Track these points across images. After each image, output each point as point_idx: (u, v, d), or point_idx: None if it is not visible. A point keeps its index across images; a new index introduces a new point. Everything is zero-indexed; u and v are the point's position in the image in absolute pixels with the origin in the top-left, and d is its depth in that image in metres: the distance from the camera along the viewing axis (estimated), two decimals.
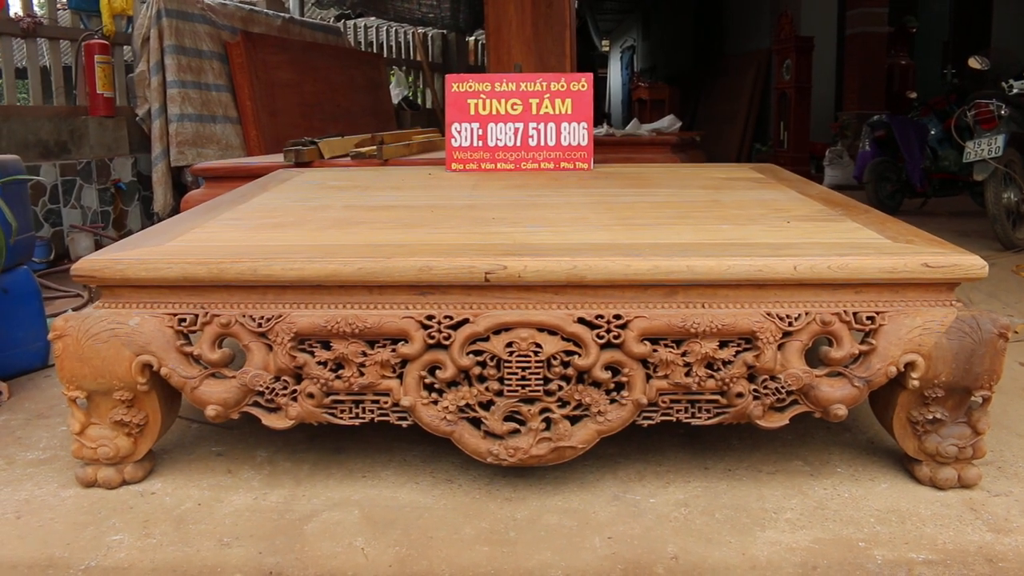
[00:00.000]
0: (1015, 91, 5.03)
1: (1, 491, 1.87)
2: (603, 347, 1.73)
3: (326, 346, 1.77)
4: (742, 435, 2.11)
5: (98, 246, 4.86)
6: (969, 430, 1.80)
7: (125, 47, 5.74)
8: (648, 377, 1.75)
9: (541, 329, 1.73)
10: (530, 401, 1.76)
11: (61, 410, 2.38)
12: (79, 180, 5.07)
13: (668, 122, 5.32)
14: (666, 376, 1.74)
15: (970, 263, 1.72)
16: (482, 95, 3.05)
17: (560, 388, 1.75)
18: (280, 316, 1.76)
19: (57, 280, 4.11)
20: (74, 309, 3.54)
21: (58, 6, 5.57)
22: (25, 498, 1.84)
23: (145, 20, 5.46)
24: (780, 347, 1.74)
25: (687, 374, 1.74)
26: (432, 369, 1.76)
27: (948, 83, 6.30)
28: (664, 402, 1.78)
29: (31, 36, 5.04)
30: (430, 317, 1.74)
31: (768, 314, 1.73)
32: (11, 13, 5.02)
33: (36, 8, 5.37)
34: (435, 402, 1.77)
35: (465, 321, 1.73)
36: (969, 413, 1.80)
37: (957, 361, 1.72)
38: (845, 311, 1.74)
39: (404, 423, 1.80)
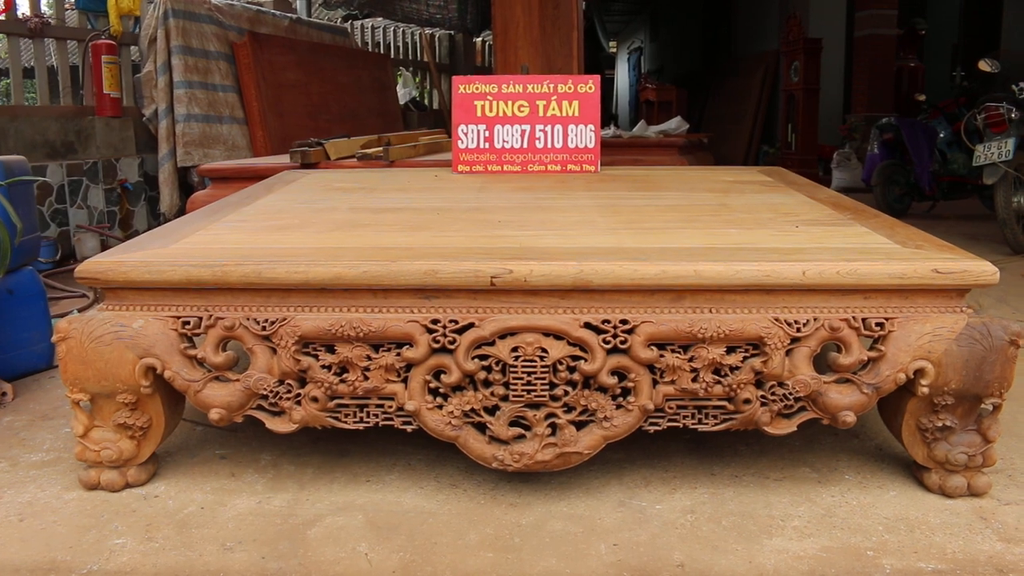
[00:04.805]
0: None
1: (4, 493, 1.87)
2: (609, 352, 1.71)
3: (330, 350, 1.76)
4: (749, 441, 2.10)
5: (104, 246, 4.87)
6: (979, 438, 1.78)
7: (132, 47, 5.74)
8: (655, 383, 1.74)
9: (547, 334, 1.71)
10: (536, 406, 1.75)
11: (65, 411, 2.37)
12: (86, 180, 5.08)
13: (675, 124, 5.30)
14: (673, 382, 1.73)
15: (981, 269, 1.70)
16: (489, 97, 3.04)
17: (566, 393, 1.74)
18: (284, 319, 1.74)
19: (63, 280, 4.11)
20: (80, 310, 3.54)
21: (65, 6, 5.58)
22: (28, 500, 1.83)
23: (152, 20, 5.47)
24: (788, 353, 1.72)
25: (694, 380, 1.73)
26: (437, 373, 1.75)
27: (958, 86, 6.27)
28: (671, 408, 1.76)
29: (38, 36, 5.05)
30: (435, 321, 1.72)
31: (776, 320, 1.71)
32: (18, 13, 5.03)
33: (43, 8, 5.38)
34: (440, 407, 1.76)
35: (470, 325, 1.72)
36: (979, 421, 1.78)
37: (967, 368, 1.70)
38: (854, 317, 1.72)
39: (408, 427, 1.79)
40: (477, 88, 3.05)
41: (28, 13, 5.07)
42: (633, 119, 14.28)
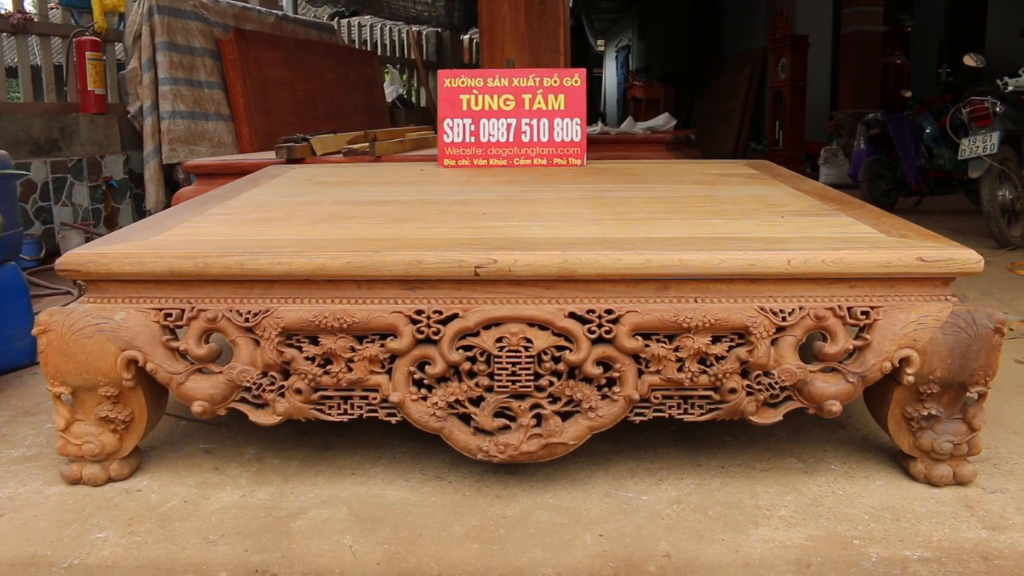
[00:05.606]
0: (1010, 88, 5.02)
1: None
2: (594, 342, 1.71)
3: (314, 341, 1.74)
4: (735, 432, 2.10)
5: None
6: (964, 426, 1.78)
7: (117, 44, 5.70)
8: (640, 372, 1.73)
9: (531, 324, 1.71)
10: (520, 397, 1.74)
11: (47, 407, 2.35)
12: (70, 178, 5.04)
13: (663, 120, 5.30)
14: (658, 371, 1.72)
15: (965, 257, 1.70)
16: (474, 91, 3.03)
17: (551, 384, 1.73)
18: (267, 311, 1.73)
19: (47, 278, 4.07)
20: (63, 306, 3.50)
21: (49, 4, 5.53)
22: (8, 496, 1.81)
23: (137, 17, 5.43)
24: (774, 342, 1.72)
25: (679, 369, 1.72)
26: (421, 364, 1.73)
27: (943, 81, 6.29)
28: (656, 398, 1.76)
29: (22, 33, 5.00)
30: (419, 312, 1.71)
31: (761, 309, 1.71)
32: (1, 10, 4.98)
33: (27, 5, 5.33)
34: (424, 398, 1.75)
35: (455, 316, 1.71)
36: (964, 409, 1.79)
37: (952, 356, 1.71)
38: (839, 306, 1.72)
39: (393, 419, 1.78)
40: (463, 82, 3.03)
41: (11, 10, 5.03)
42: (621, 117, 14.28)
